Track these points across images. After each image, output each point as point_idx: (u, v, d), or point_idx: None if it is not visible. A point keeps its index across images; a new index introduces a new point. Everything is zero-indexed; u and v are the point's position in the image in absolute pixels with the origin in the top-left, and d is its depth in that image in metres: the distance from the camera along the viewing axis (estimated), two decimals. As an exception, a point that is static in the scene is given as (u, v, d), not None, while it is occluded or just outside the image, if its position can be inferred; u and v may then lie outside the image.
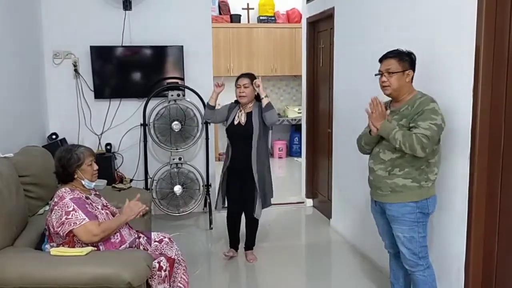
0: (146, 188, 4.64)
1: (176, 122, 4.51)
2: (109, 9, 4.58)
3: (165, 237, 2.82)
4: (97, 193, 2.73)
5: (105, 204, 2.68)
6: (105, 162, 4.34)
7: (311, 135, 5.20)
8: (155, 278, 2.43)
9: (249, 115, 3.54)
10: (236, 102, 3.66)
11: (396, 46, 2.59)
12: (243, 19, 7.61)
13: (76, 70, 4.59)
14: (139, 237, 2.69)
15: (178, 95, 4.59)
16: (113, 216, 2.61)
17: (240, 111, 3.58)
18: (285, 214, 5.06)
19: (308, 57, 5.09)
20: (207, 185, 4.83)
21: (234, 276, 3.62)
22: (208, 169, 4.85)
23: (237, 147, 3.56)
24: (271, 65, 7.60)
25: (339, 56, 4.19)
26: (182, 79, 4.74)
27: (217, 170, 4.64)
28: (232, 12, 7.56)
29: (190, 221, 4.79)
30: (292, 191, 5.76)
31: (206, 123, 4.67)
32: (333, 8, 4.24)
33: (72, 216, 2.36)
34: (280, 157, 8.03)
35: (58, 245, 2.41)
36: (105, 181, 3.93)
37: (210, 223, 4.56)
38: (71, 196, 2.42)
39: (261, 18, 7.59)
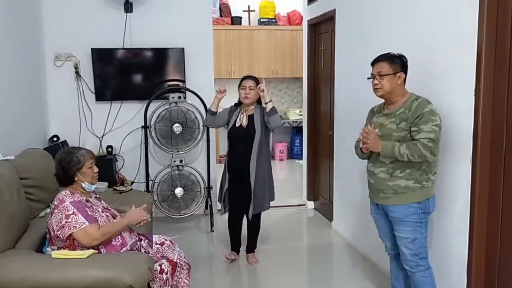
0: (147, 190, 4.64)
1: (177, 125, 4.51)
2: (110, 11, 4.59)
3: (166, 240, 2.81)
4: (98, 195, 2.73)
5: (105, 206, 2.67)
6: (106, 164, 4.34)
7: (312, 137, 5.19)
8: (156, 281, 2.43)
9: (250, 118, 3.54)
10: (236, 105, 3.65)
11: (397, 48, 2.59)
12: (244, 21, 7.62)
13: (77, 72, 4.59)
14: (140, 240, 2.68)
15: (179, 97, 4.59)
16: (114, 218, 2.61)
17: (242, 113, 3.57)
18: (286, 217, 5.05)
19: (309, 59, 5.09)
20: (208, 188, 4.82)
21: (235, 279, 3.61)
22: (209, 171, 4.85)
23: (238, 149, 3.55)
24: (272, 67, 7.60)
25: (340, 58, 4.19)
26: (183, 81, 4.74)
27: (218, 172, 4.63)
28: (233, 14, 7.56)
29: (191, 223, 4.79)
30: (293, 193, 5.75)
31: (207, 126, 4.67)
32: (334, 10, 4.23)
33: (72, 219, 2.35)
34: (281, 159, 8.02)
35: (58, 248, 2.41)
36: (106, 184, 3.93)
37: (211, 225, 4.56)
38: (71, 200, 2.41)
39: (262, 20, 7.59)
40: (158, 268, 2.45)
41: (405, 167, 2.47)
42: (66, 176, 2.48)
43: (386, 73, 2.49)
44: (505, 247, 2.37)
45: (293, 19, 7.66)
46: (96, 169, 2.57)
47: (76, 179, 2.49)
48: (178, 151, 4.64)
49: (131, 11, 4.59)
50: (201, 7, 4.80)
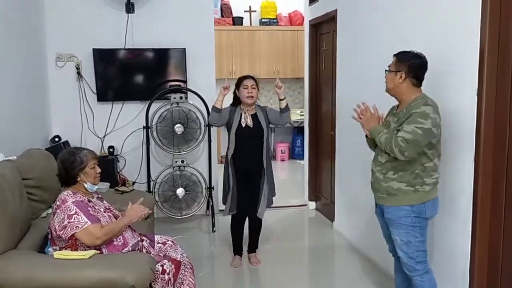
0: (149, 191, 4.64)
1: (178, 125, 4.51)
2: (111, 11, 4.59)
3: (168, 240, 2.81)
4: (100, 196, 2.73)
5: (107, 207, 2.67)
6: (108, 164, 4.33)
7: (314, 138, 5.19)
8: (158, 282, 2.42)
9: (254, 117, 3.54)
10: (233, 105, 3.63)
11: (400, 48, 2.58)
12: (245, 22, 7.61)
13: (79, 73, 4.60)
14: (142, 240, 2.68)
15: (181, 97, 4.59)
16: (116, 219, 2.60)
17: (245, 113, 3.55)
18: (288, 217, 5.05)
19: (311, 60, 5.09)
20: (210, 188, 4.82)
21: (237, 279, 3.61)
22: (211, 172, 4.85)
23: (247, 149, 3.54)
24: (273, 67, 7.60)
25: (342, 59, 4.18)
26: (185, 81, 4.74)
27: (219, 172, 4.63)
28: (234, 15, 7.57)
29: (192, 224, 4.78)
30: (295, 193, 5.74)
31: (208, 126, 4.67)
32: (335, 11, 4.23)
33: (74, 219, 2.35)
34: (282, 160, 8.02)
35: (61, 249, 2.41)
36: (108, 184, 3.94)
37: (213, 225, 4.56)
38: (73, 200, 2.41)
39: (263, 20, 7.59)
40: (160, 268, 2.45)
41: (397, 169, 2.44)
42: (68, 176, 2.48)
43: (389, 70, 2.49)
44: (508, 248, 2.36)
45: (294, 19, 7.65)
46: (98, 170, 2.57)
47: (78, 179, 2.49)
48: (179, 152, 4.64)
49: (133, 11, 4.59)
50: (202, 8, 4.80)
